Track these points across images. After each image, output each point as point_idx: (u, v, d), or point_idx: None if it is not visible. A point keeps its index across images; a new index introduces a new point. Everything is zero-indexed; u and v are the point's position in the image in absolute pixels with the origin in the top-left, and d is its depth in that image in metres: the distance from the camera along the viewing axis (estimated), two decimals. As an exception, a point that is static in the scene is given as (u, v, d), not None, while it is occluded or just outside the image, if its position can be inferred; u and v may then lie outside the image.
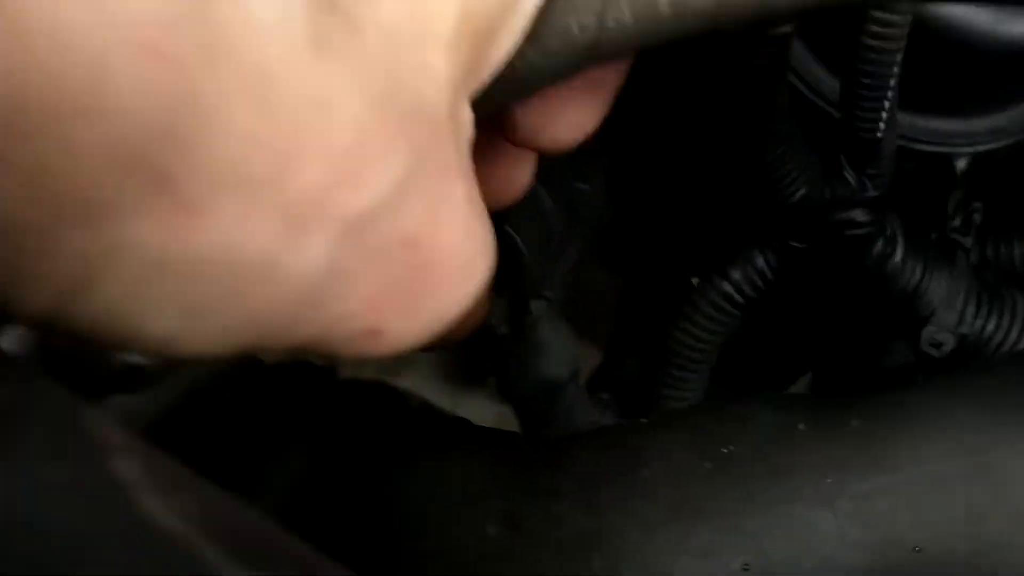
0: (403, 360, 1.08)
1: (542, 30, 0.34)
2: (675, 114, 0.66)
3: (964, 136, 0.63)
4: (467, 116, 0.33)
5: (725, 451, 0.39)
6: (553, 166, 0.52)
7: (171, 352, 0.29)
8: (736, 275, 0.62)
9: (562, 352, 0.53)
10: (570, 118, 0.41)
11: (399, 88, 0.29)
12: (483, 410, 0.63)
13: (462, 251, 0.33)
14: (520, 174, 0.44)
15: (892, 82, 0.54)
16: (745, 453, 0.38)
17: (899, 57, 0.54)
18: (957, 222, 0.62)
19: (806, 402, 0.40)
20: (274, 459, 0.45)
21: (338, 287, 0.30)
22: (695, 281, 0.63)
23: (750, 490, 0.37)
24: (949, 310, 0.60)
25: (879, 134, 0.56)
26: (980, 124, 0.63)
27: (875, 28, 0.52)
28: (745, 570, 0.36)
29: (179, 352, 0.29)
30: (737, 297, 0.62)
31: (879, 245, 0.60)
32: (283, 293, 0.29)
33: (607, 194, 0.68)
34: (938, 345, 0.60)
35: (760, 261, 0.61)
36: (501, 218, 0.49)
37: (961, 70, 0.63)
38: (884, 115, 0.55)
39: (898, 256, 0.60)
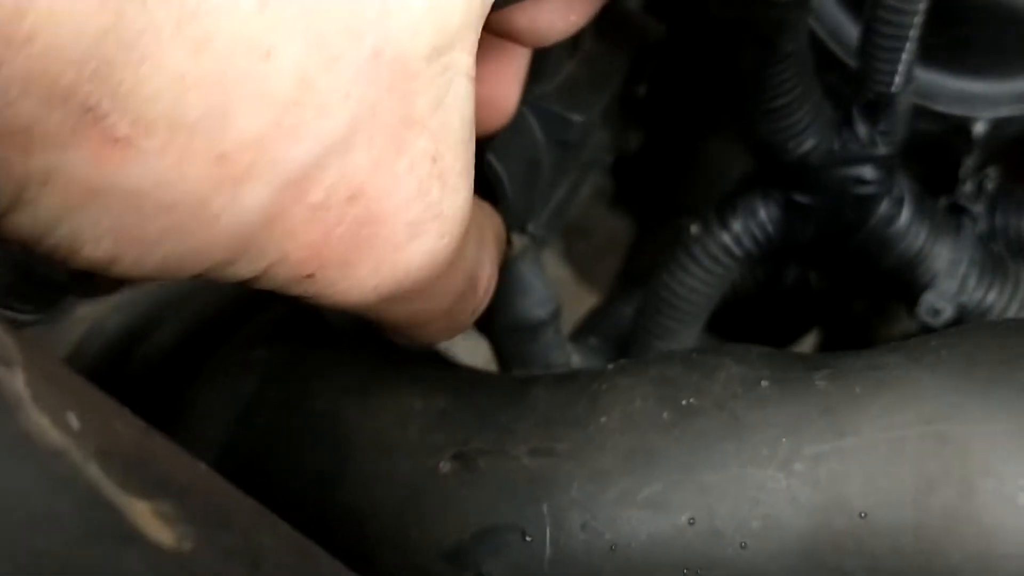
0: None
1: None
2: (687, 50, 0.64)
3: (985, 100, 0.61)
4: (464, 59, 0.32)
5: (685, 403, 0.38)
6: (544, 97, 0.50)
7: (114, 274, 0.29)
8: (736, 226, 0.60)
9: (542, 291, 0.52)
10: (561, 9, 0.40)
11: (360, 35, 0.29)
12: (476, 348, 0.62)
13: (409, 209, 0.32)
14: (507, 91, 0.42)
15: (912, 33, 0.52)
16: (705, 406, 0.37)
17: (921, 6, 0.51)
18: (968, 188, 0.60)
19: (774, 358, 0.38)
20: (229, 377, 0.44)
21: (275, 235, 0.30)
22: (693, 229, 0.61)
23: (705, 445, 0.36)
24: (950, 278, 0.59)
25: (894, 88, 0.53)
26: (1003, 88, 0.60)
27: (897, -23, 0.50)
28: (691, 524, 0.35)
29: (122, 275, 0.29)
30: (735, 249, 0.60)
31: (885, 206, 0.58)
32: (218, 235, 0.29)
33: (613, 132, 0.66)
34: (936, 313, 0.58)
35: (762, 213, 0.60)
36: (482, 146, 0.47)
37: (988, 30, 0.60)
38: (901, 67, 0.53)
39: (903, 219, 0.58)
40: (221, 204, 0.28)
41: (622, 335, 0.70)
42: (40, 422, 0.20)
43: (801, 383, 0.36)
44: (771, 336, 0.83)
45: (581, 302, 0.95)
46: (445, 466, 0.40)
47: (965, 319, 0.59)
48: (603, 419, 0.39)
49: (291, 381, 0.45)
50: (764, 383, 0.37)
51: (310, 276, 0.32)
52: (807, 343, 0.92)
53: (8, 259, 0.38)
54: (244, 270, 0.31)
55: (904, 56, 0.52)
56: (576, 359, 0.64)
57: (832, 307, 0.76)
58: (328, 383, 0.45)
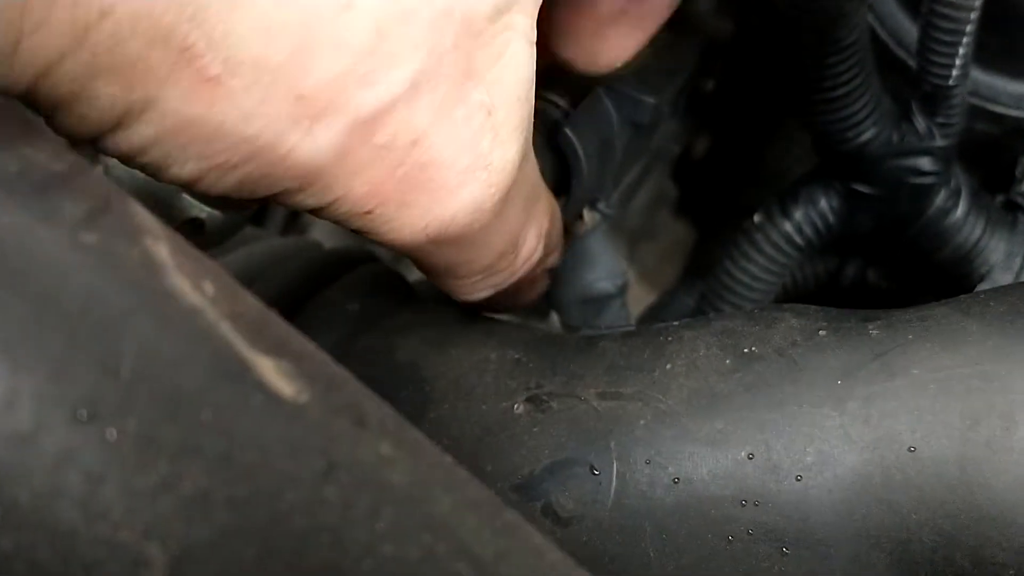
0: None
1: None
2: (754, 48, 0.67)
3: (1045, 101, 0.63)
4: (523, 21, 0.35)
5: (747, 350, 0.40)
6: (619, 79, 0.54)
7: (198, 189, 0.33)
8: (798, 215, 0.62)
9: (611, 265, 0.55)
10: (612, 44, 0.44)
11: None
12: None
13: (460, 156, 0.35)
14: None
15: (969, 28, 0.54)
16: (766, 352, 0.40)
17: (979, 2, 0.53)
18: (1024, 186, 0.62)
19: (831, 312, 0.41)
20: (321, 325, 0.48)
21: (342, 172, 0.33)
22: (756, 217, 0.64)
23: (765, 386, 0.39)
24: (1006, 271, 0.60)
25: (951, 82, 0.56)
26: (1063, 90, 0.62)
27: (956, -27, 0.52)
28: (750, 458, 0.38)
29: (204, 190, 0.33)
30: (796, 238, 0.63)
31: (942, 197, 0.60)
32: (291, 165, 0.33)
33: (682, 123, 0.69)
34: (992, 302, 0.60)
35: (823, 203, 0.62)
36: (559, 122, 0.51)
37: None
38: (958, 62, 0.55)
39: (960, 210, 0.60)
40: (296, 139, 0.32)
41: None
42: (182, 284, 0.24)
43: (856, 332, 0.39)
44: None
45: (643, 303, 0.98)
46: (519, 407, 0.43)
47: (1020, 311, 0.61)
48: (668, 366, 0.42)
49: (378, 333, 0.49)
50: (821, 332, 0.40)
51: (369, 212, 0.35)
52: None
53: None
54: (311, 200, 0.34)
55: (961, 50, 0.54)
56: (639, 343, 0.67)
57: (892, 305, 0.78)
58: (411, 336, 0.48)
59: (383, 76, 0.32)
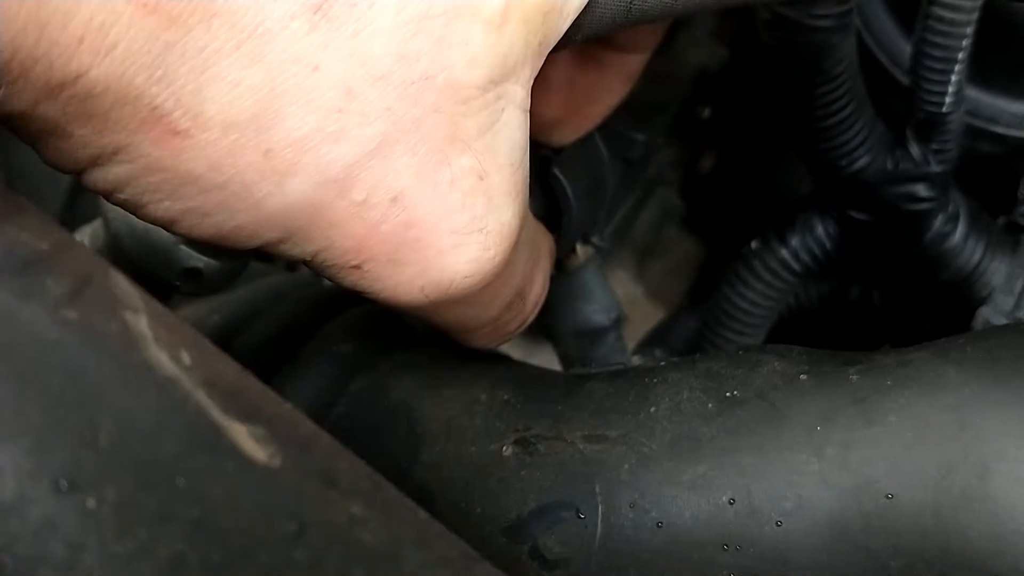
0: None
1: None
2: (749, 73, 0.67)
3: (1046, 122, 0.62)
4: (518, 91, 0.35)
5: (729, 394, 0.41)
6: (610, 115, 0.54)
7: (179, 231, 0.34)
8: (794, 241, 0.63)
9: (605, 299, 0.55)
10: (597, 105, 0.45)
11: (412, 59, 0.32)
12: (551, 364, 0.66)
13: (451, 218, 0.35)
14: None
15: (961, 55, 0.54)
16: (747, 397, 0.40)
17: (970, 30, 0.53)
18: (1027, 207, 0.62)
19: (813, 355, 0.41)
20: (315, 367, 0.49)
21: (319, 225, 0.34)
22: (753, 244, 0.64)
23: (746, 431, 0.39)
24: (1007, 294, 0.60)
25: (945, 108, 0.56)
26: (1063, 110, 0.62)
27: None
28: (731, 503, 0.38)
29: (183, 234, 0.34)
30: (793, 264, 0.63)
31: (940, 221, 0.60)
32: (265, 216, 0.34)
33: (678, 151, 0.69)
34: (992, 327, 0.60)
35: (819, 229, 0.62)
36: (549, 161, 0.51)
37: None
38: (951, 88, 0.55)
39: (958, 234, 0.60)
40: (266, 190, 0.33)
41: (687, 347, 0.73)
42: (159, 355, 0.25)
43: (836, 376, 0.39)
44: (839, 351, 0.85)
45: (651, 320, 0.98)
46: (507, 450, 0.44)
47: None
48: (653, 409, 0.42)
49: (371, 374, 0.49)
50: (803, 376, 0.40)
51: (357, 267, 0.36)
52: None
53: (121, 262, 0.44)
54: (295, 250, 0.35)
55: (953, 77, 0.54)
56: (641, 368, 0.67)
57: (897, 325, 0.77)
58: (404, 377, 0.49)
59: (351, 134, 0.33)
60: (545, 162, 0.52)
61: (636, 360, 0.70)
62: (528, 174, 0.38)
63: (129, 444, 0.24)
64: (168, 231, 0.34)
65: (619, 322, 0.57)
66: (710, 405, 0.41)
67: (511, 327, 0.44)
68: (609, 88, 0.47)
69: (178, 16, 0.29)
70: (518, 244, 0.39)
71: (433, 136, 0.34)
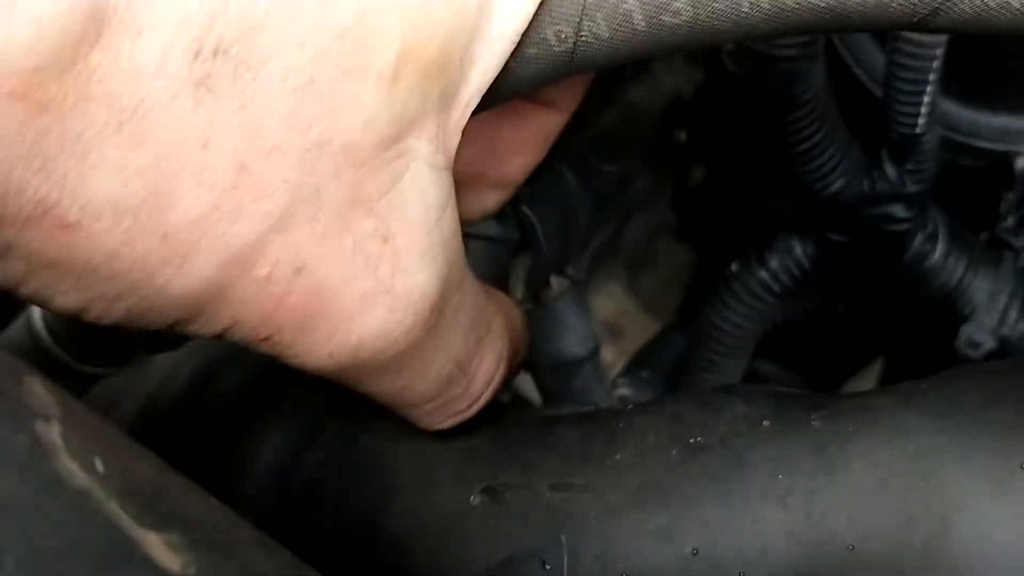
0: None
1: (521, 38, 0.35)
2: (725, 97, 0.67)
3: (1026, 134, 0.62)
4: (422, 147, 0.34)
5: (693, 441, 0.40)
6: (578, 147, 0.54)
7: (89, 319, 0.33)
8: (774, 263, 0.62)
9: (582, 330, 0.55)
10: (512, 163, 0.44)
11: (304, 127, 0.31)
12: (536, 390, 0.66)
13: (355, 283, 0.34)
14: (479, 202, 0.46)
15: (932, 76, 0.54)
16: (711, 443, 0.40)
17: (939, 51, 0.53)
18: (1009, 222, 0.61)
19: (779, 398, 0.41)
20: (288, 417, 0.49)
21: (225, 304, 0.33)
22: (733, 267, 0.63)
23: (709, 480, 0.39)
24: (990, 311, 0.60)
25: (918, 129, 0.55)
26: (1043, 122, 0.61)
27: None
28: (694, 554, 0.38)
29: (94, 321, 0.33)
30: (773, 286, 0.62)
31: (919, 241, 0.59)
32: (170, 299, 0.33)
33: (657, 175, 0.69)
34: (976, 345, 0.59)
35: (798, 251, 0.62)
36: (518, 197, 0.51)
37: (1025, 65, 0.61)
38: (924, 109, 0.54)
39: (938, 253, 0.59)
40: (168, 275, 0.32)
41: (674, 368, 0.73)
42: (70, 467, 0.24)
43: (799, 422, 0.39)
44: (831, 366, 0.84)
45: (646, 333, 0.98)
46: (475, 499, 0.43)
47: (1008, 352, 0.60)
48: (618, 456, 0.42)
49: (343, 421, 0.49)
50: (766, 422, 0.40)
51: (266, 339, 0.35)
52: (874, 370, 0.93)
53: (80, 325, 0.44)
54: (204, 329, 0.34)
55: (925, 99, 0.54)
56: (626, 391, 0.67)
57: (888, 337, 0.77)
58: (376, 425, 0.49)
59: (249, 211, 0.32)
60: (514, 199, 0.51)
61: (622, 383, 0.70)
62: (454, 235, 0.37)
63: (40, 563, 0.23)
64: (81, 320, 0.33)
65: (596, 352, 0.57)
66: (674, 452, 0.40)
67: (458, 406, 0.43)
68: (523, 146, 0.45)
69: (49, 101, 0.28)
70: (445, 310, 0.37)
71: (333, 203, 0.33)
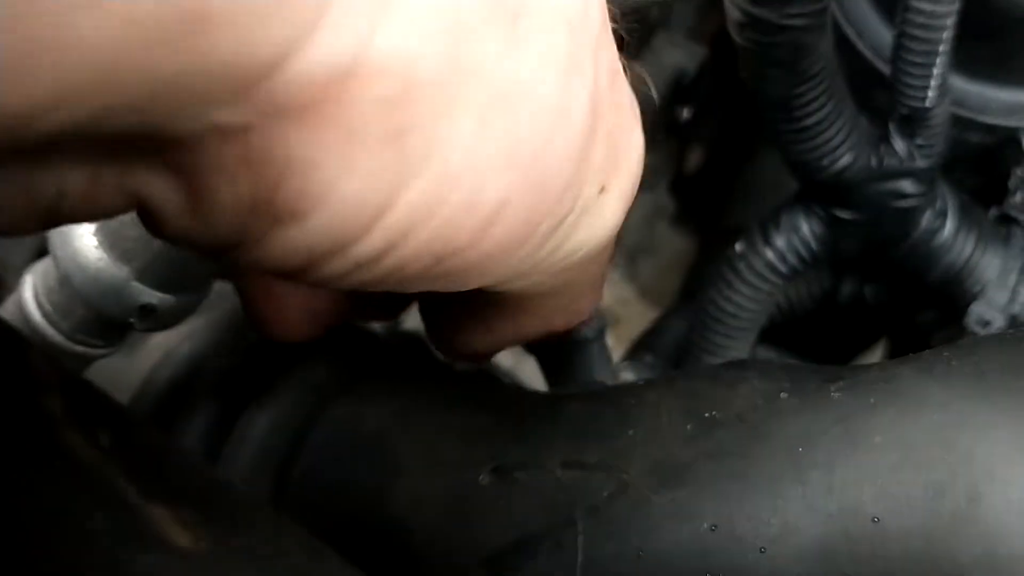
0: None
1: None
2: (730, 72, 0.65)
3: (1034, 110, 0.61)
4: None
5: (708, 415, 0.39)
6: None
7: None
8: (780, 242, 0.61)
9: (587, 311, 0.54)
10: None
11: None
12: (539, 374, 0.64)
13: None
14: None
15: (942, 48, 0.52)
16: (727, 418, 0.39)
17: (951, 22, 0.52)
18: (1018, 199, 0.60)
19: (795, 371, 0.40)
20: (289, 397, 0.47)
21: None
22: (738, 246, 0.62)
23: (726, 455, 0.38)
24: (1000, 288, 0.59)
25: (928, 103, 0.54)
26: (1052, 97, 0.60)
27: (925, -10, 0.51)
28: (712, 530, 0.37)
29: None
30: (780, 266, 0.61)
31: (928, 218, 0.58)
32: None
33: (661, 155, 0.68)
34: (986, 323, 0.58)
35: (805, 229, 0.60)
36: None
37: (1034, 39, 0.60)
38: (933, 82, 0.53)
39: (948, 230, 0.58)
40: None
41: (677, 352, 0.72)
42: (75, 439, 0.23)
43: (818, 395, 0.38)
44: (834, 349, 0.83)
45: (645, 319, 0.96)
46: (485, 479, 0.42)
47: (1018, 329, 0.59)
48: (631, 432, 0.41)
49: (344, 401, 0.48)
50: (783, 395, 0.38)
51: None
52: (876, 354, 0.92)
53: (73, 302, 0.42)
54: None
55: (936, 71, 0.53)
56: (629, 376, 0.66)
57: (892, 319, 0.76)
58: (380, 404, 0.48)
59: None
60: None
61: (624, 367, 0.68)
62: None
63: (46, 540, 0.22)
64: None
65: (602, 333, 0.56)
66: (689, 427, 0.39)
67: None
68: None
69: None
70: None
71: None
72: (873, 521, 0.34)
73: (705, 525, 0.37)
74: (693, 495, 0.38)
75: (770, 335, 0.73)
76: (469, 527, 0.42)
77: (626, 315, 1.04)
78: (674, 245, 1.07)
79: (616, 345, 0.96)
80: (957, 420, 0.33)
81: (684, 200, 0.97)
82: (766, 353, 0.78)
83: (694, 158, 0.94)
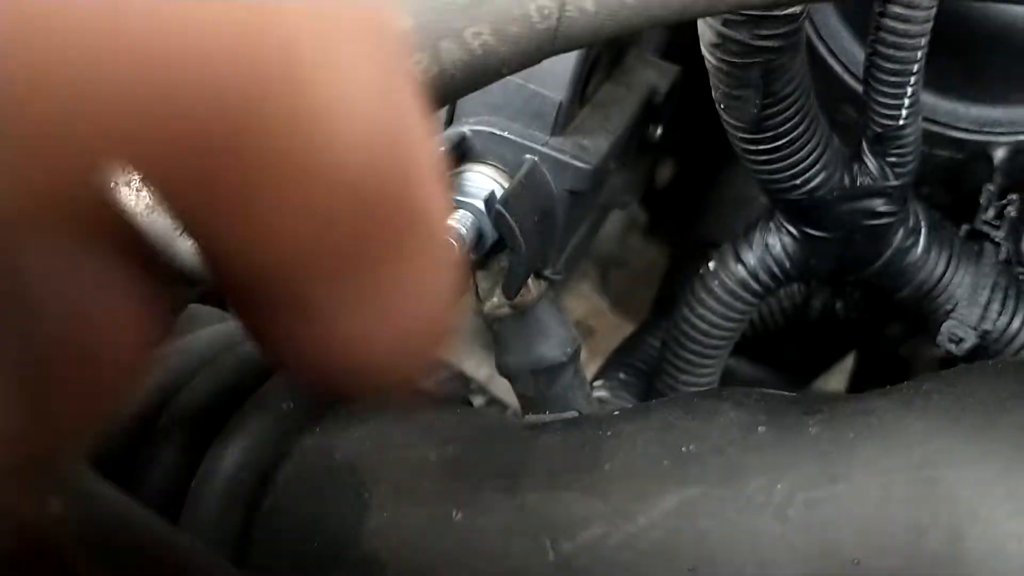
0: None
1: (502, 16, 0.33)
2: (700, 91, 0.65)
3: (1005, 125, 0.61)
4: None
5: (684, 449, 0.38)
6: (554, 146, 0.52)
7: None
8: (752, 260, 0.61)
9: (561, 334, 0.53)
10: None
11: None
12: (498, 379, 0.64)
13: None
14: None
15: (915, 67, 0.52)
16: (703, 451, 0.38)
17: (923, 41, 0.51)
18: (990, 214, 0.60)
19: (772, 402, 0.39)
20: (255, 430, 0.46)
21: None
22: (711, 265, 0.62)
23: (703, 492, 0.37)
24: (972, 305, 0.59)
25: (901, 121, 0.54)
26: (1022, 114, 0.60)
27: (897, 10, 0.50)
28: (691, 572, 0.36)
29: None
30: (752, 283, 0.61)
31: (900, 236, 0.58)
32: None
33: (631, 173, 0.67)
34: (958, 340, 0.58)
35: (777, 248, 0.60)
36: (493, 200, 0.49)
37: (1004, 56, 0.60)
38: (907, 101, 0.53)
39: (920, 248, 0.58)
40: None
41: (650, 368, 0.71)
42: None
43: (796, 428, 0.37)
44: (804, 362, 0.83)
45: (618, 332, 0.96)
46: (457, 514, 0.41)
47: (990, 346, 0.59)
48: (607, 466, 0.40)
49: (314, 433, 0.47)
50: (760, 428, 0.38)
51: None
52: (845, 366, 0.92)
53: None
54: None
55: (909, 89, 0.52)
56: (604, 394, 0.65)
57: (862, 333, 0.76)
58: (349, 435, 0.46)
59: None
60: (490, 197, 0.49)
61: (599, 387, 0.68)
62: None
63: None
64: None
65: (576, 356, 0.55)
66: (665, 462, 0.39)
67: None
68: None
69: None
70: None
71: None
72: (853, 563, 0.33)
73: (685, 566, 0.36)
74: (671, 534, 0.37)
75: (741, 348, 0.72)
76: (443, 563, 0.41)
77: (599, 327, 1.03)
78: (646, 257, 1.07)
79: (589, 357, 0.96)
80: (938, 457, 0.33)
81: (656, 212, 0.97)
82: (734, 363, 0.78)
83: (665, 171, 0.93)
